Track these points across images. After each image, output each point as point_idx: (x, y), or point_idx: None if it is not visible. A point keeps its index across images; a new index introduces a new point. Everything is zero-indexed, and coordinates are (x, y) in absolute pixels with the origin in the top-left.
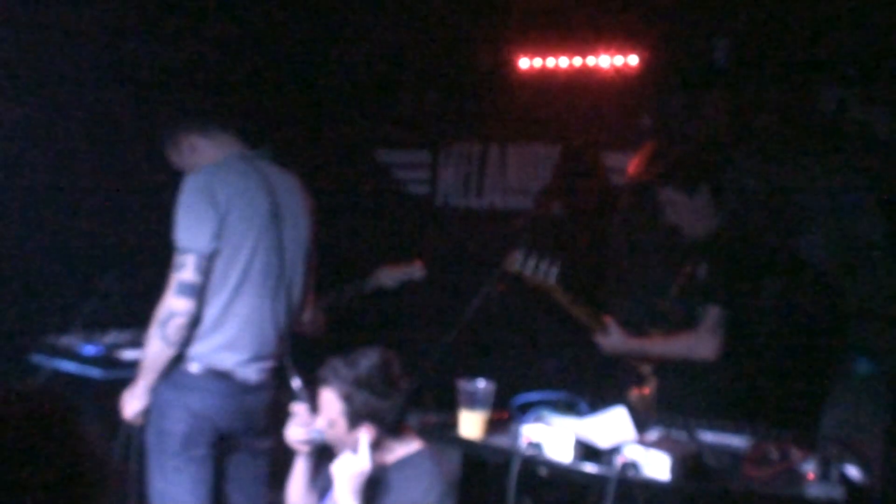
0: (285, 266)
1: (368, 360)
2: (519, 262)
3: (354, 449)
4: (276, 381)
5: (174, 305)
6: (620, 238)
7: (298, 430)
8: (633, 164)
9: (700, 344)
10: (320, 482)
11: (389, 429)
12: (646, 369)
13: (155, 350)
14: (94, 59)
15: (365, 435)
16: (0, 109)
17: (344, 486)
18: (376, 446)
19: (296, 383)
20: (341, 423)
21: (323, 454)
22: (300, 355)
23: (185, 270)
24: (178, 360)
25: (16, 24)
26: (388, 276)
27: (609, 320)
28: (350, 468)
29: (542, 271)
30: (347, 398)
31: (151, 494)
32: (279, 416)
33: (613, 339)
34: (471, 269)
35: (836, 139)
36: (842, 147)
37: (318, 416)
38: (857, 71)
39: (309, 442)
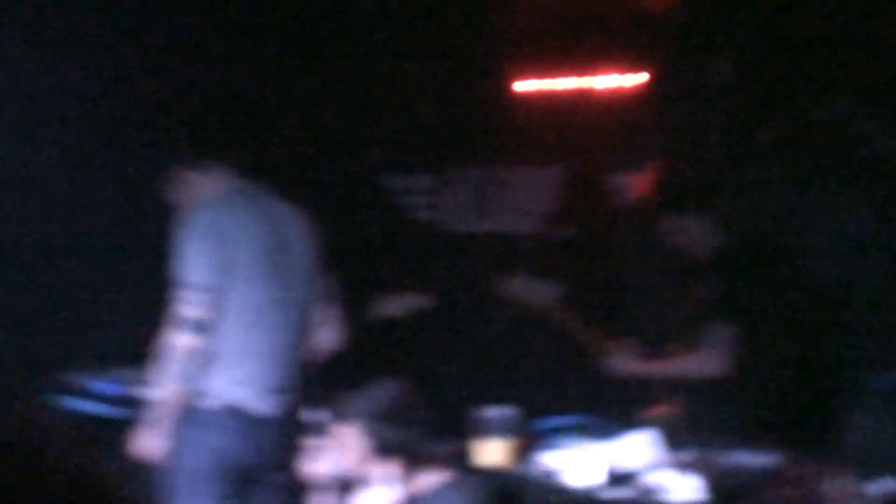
0: (291, 296)
1: (387, 391)
2: (519, 286)
3: (382, 482)
4: (293, 414)
5: (176, 341)
6: (629, 260)
7: (325, 464)
8: (636, 185)
9: (706, 362)
10: None
11: (415, 459)
12: (664, 389)
13: (164, 388)
14: (84, 97)
15: (394, 468)
16: None
17: None
18: (404, 478)
19: (320, 416)
20: (367, 459)
21: (345, 489)
22: (317, 386)
23: (188, 306)
24: (194, 396)
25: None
26: (395, 305)
27: (619, 342)
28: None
29: (543, 295)
30: (372, 433)
31: None
32: (296, 449)
33: (625, 360)
34: (479, 293)
35: (839, 155)
36: (844, 163)
37: (338, 450)
38: (862, 86)
39: (335, 477)
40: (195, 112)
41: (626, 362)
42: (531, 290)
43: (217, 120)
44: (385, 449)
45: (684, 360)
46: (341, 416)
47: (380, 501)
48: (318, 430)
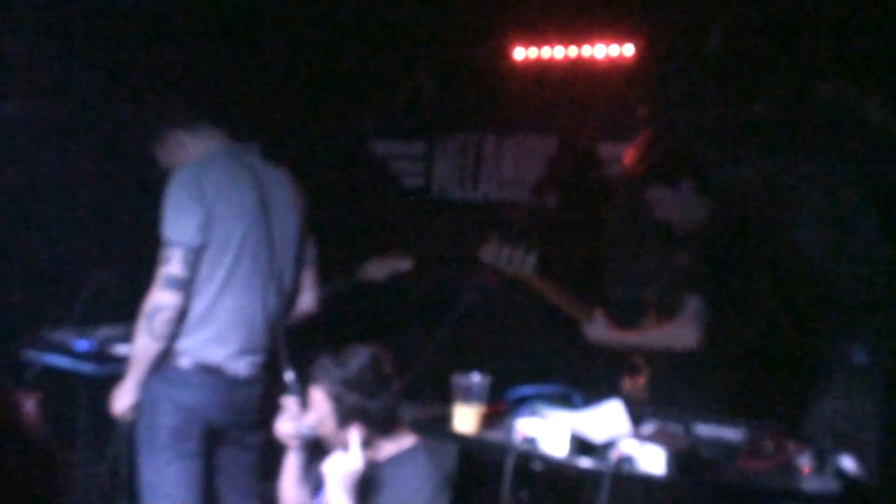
0: (275, 259)
1: (358, 358)
2: (492, 252)
3: (345, 447)
4: (267, 375)
5: (161, 299)
6: (615, 228)
7: (288, 424)
8: (628, 155)
9: (681, 334)
10: (313, 478)
11: (380, 427)
12: (639, 359)
13: (142, 345)
14: (82, 58)
15: (356, 434)
16: None
17: (336, 484)
18: (367, 444)
19: (289, 377)
20: (331, 423)
21: (316, 449)
22: (293, 349)
23: (172, 264)
24: (168, 354)
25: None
26: (377, 269)
27: (594, 310)
28: (341, 467)
29: (517, 261)
30: (337, 398)
31: (142, 488)
32: (270, 410)
33: (598, 329)
34: (465, 261)
35: (832, 130)
36: (837, 138)
37: (308, 412)
38: (853, 61)
39: (298, 437)
40: (187, 73)
41: (600, 330)
42: (505, 257)
43: (209, 81)
44: (350, 414)
45: (658, 332)
46: (310, 378)
47: (341, 466)
48: (286, 390)
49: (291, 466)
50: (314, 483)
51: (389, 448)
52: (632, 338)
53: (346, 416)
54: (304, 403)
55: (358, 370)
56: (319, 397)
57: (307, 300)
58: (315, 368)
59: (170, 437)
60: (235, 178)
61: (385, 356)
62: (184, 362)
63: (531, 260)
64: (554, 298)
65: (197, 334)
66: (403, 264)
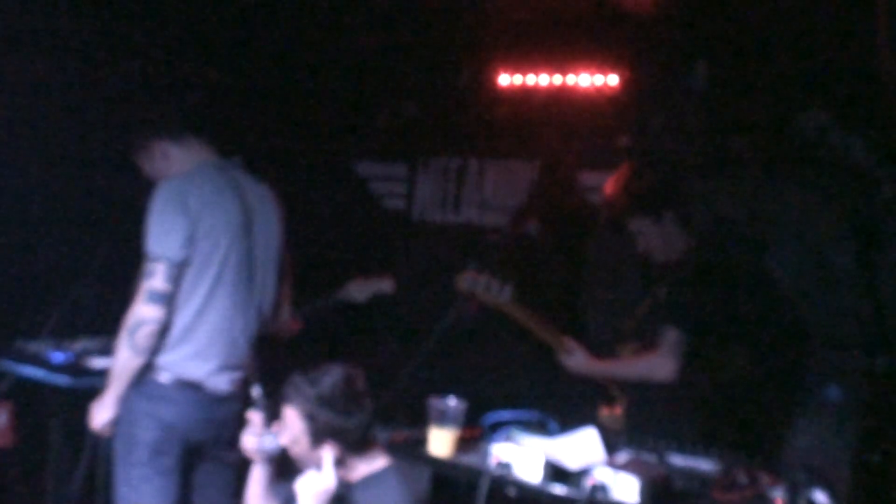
0: (256, 275)
1: (331, 377)
2: (469, 280)
3: (318, 466)
4: (243, 391)
5: (143, 313)
6: (595, 257)
7: (251, 439)
8: (609, 185)
9: (658, 366)
10: (284, 495)
11: (353, 446)
12: (615, 389)
13: (124, 359)
14: (67, 67)
15: (328, 453)
16: None
17: (308, 503)
18: (340, 463)
19: (255, 391)
20: (304, 441)
21: (288, 464)
22: (266, 365)
23: (156, 278)
24: (149, 369)
25: None
26: (358, 290)
27: (570, 341)
28: (314, 486)
29: (495, 289)
30: (310, 417)
31: (118, 502)
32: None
33: (576, 359)
34: (445, 285)
35: (813, 164)
36: (818, 172)
37: (273, 426)
38: (836, 96)
39: (261, 451)
40: (174, 86)
41: (578, 360)
42: (482, 285)
43: (195, 95)
44: (322, 432)
45: (635, 363)
46: (283, 398)
47: (314, 485)
48: (252, 404)
49: (256, 480)
50: (286, 500)
51: (363, 468)
52: (609, 368)
53: (318, 435)
54: (270, 418)
55: (331, 388)
56: (292, 416)
57: (284, 314)
58: (287, 387)
59: (148, 452)
60: (220, 193)
61: (358, 374)
62: (163, 377)
63: (508, 288)
64: (531, 327)
65: (178, 350)
66: (386, 286)
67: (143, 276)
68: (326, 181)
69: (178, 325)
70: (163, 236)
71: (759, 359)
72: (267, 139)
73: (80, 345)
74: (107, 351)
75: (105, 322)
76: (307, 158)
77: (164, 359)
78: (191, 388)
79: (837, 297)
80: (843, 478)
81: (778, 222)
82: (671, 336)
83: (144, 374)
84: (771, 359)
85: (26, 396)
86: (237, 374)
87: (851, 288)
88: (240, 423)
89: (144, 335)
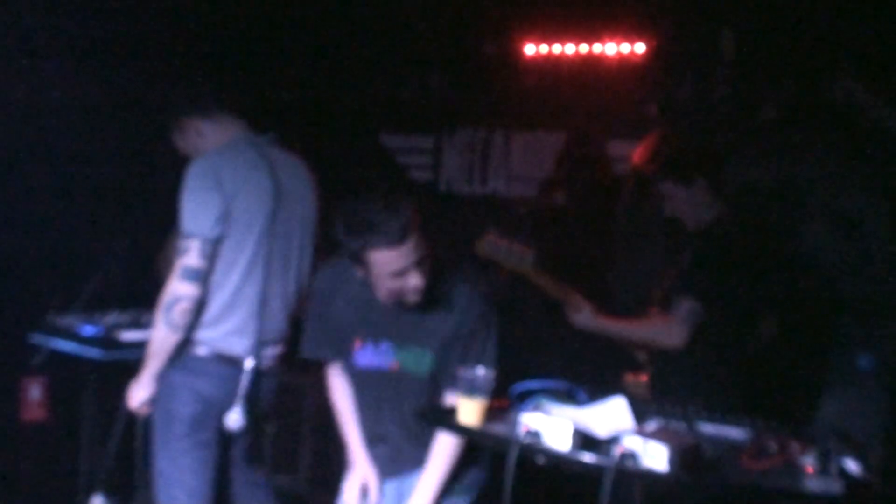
0: (292, 249)
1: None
2: (490, 245)
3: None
4: (283, 366)
5: (179, 290)
6: (622, 226)
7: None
8: (637, 153)
9: (667, 332)
10: None
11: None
12: (642, 356)
13: (160, 336)
14: (98, 41)
15: None
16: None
17: None
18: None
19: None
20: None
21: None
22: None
23: (190, 255)
24: (187, 344)
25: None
26: None
27: (578, 297)
28: None
29: (516, 255)
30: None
31: (156, 476)
32: (284, 399)
33: (583, 315)
34: (472, 257)
35: (844, 132)
36: (849, 139)
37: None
38: (867, 64)
39: None
40: (206, 62)
41: (584, 316)
42: (503, 251)
43: (227, 71)
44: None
45: (644, 326)
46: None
47: None
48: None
49: None
50: None
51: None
52: (616, 326)
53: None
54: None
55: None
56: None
57: None
58: (368, 236)
59: (187, 425)
60: (254, 168)
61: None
62: (202, 351)
63: (530, 254)
64: (553, 292)
65: (218, 327)
66: None
67: (178, 252)
68: (354, 153)
69: (216, 302)
70: (197, 213)
71: (790, 327)
72: (295, 113)
73: (110, 318)
74: (137, 324)
75: (135, 295)
76: (335, 131)
77: (203, 334)
78: (229, 363)
79: (869, 266)
80: (875, 446)
81: (808, 190)
82: (685, 305)
83: (182, 349)
84: (801, 327)
85: (58, 370)
86: (276, 350)
87: (883, 256)
88: (276, 397)
89: (180, 312)
